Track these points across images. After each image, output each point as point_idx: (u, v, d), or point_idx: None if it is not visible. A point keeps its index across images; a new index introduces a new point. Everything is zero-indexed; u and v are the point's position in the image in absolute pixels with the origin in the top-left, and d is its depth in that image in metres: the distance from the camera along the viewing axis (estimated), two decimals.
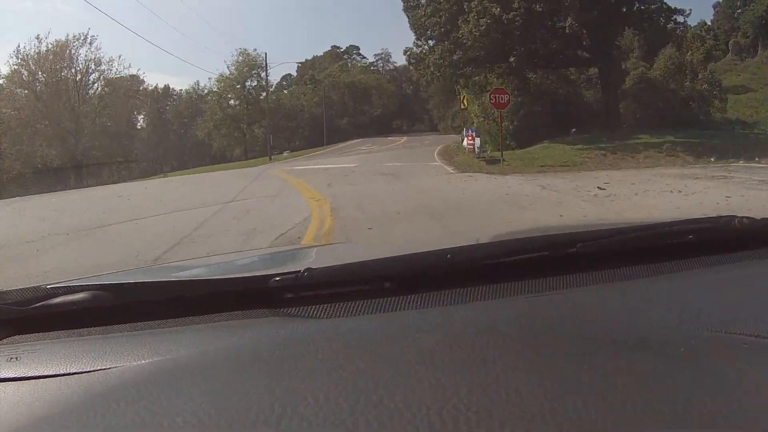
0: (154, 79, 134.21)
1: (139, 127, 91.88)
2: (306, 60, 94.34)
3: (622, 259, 1.30)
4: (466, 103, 30.57)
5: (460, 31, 25.73)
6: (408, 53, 32.18)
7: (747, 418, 0.58)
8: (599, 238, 1.36)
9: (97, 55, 55.86)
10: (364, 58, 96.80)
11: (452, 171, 20.00)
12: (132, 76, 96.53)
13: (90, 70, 53.91)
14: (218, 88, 71.46)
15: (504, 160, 20.35)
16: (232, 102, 73.32)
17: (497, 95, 21.47)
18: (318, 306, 1.16)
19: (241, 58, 69.51)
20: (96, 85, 54.81)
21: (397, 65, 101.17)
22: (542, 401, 0.63)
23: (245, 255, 3.02)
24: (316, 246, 5.68)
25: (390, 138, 63.94)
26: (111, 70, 56.38)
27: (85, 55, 54.26)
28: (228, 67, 70.65)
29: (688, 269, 1.29)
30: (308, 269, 1.21)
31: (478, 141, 24.60)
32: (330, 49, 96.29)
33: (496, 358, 0.76)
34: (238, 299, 1.21)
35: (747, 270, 1.29)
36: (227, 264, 2.07)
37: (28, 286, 1.24)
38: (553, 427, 0.58)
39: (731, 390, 0.63)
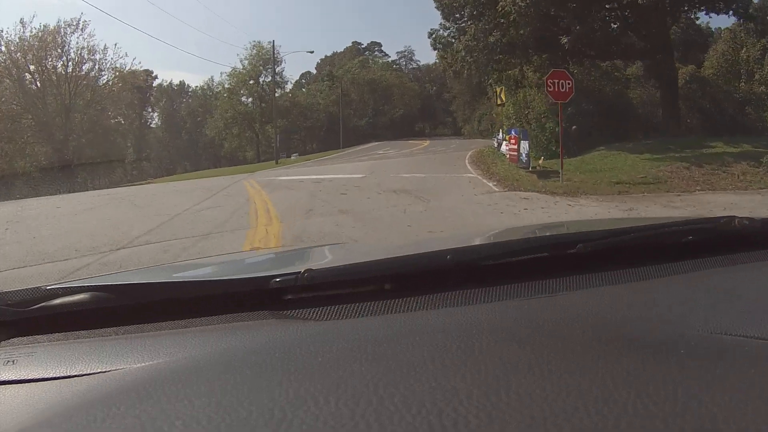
0: (173, 77, 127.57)
1: (154, 126, 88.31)
2: (325, 56, 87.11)
3: (622, 260, 1.31)
4: (503, 98, 26.50)
5: (501, 2, 21.50)
6: (433, 36, 28.25)
7: (748, 420, 0.58)
8: (599, 238, 1.39)
9: (91, 44, 49.55)
10: (386, 55, 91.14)
11: (495, 187, 14.98)
12: (145, 70, 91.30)
13: (84, 60, 47.48)
14: (230, 84, 66.25)
15: (563, 173, 15.33)
16: (244, 99, 68.67)
17: (557, 81, 15.46)
18: (318, 307, 1.17)
19: (254, 51, 64.01)
20: (93, 74, 49.27)
21: (420, 64, 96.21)
22: (542, 403, 0.63)
23: (245, 256, 3.49)
24: (316, 247, 4.78)
25: (411, 141, 59.53)
26: (105, 59, 50.23)
27: (77, 43, 47.85)
28: (241, 61, 65.21)
29: (689, 270, 1.29)
30: (308, 270, 1.21)
31: (524, 146, 19.07)
32: (351, 45, 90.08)
33: (496, 360, 0.77)
34: (238, 301, 1.22)
35: (747, 271, 1.30)
36: (227, 265, 2.08)
37: (28, 287, 1.24)
38: (554, 429, 0.58)
39: (732, 391, 0.64)
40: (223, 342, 1.06)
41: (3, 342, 1.17)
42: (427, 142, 53.80)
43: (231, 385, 0.76)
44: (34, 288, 1.24)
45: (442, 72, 52.86)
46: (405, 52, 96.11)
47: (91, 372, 0.97)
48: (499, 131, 28.69)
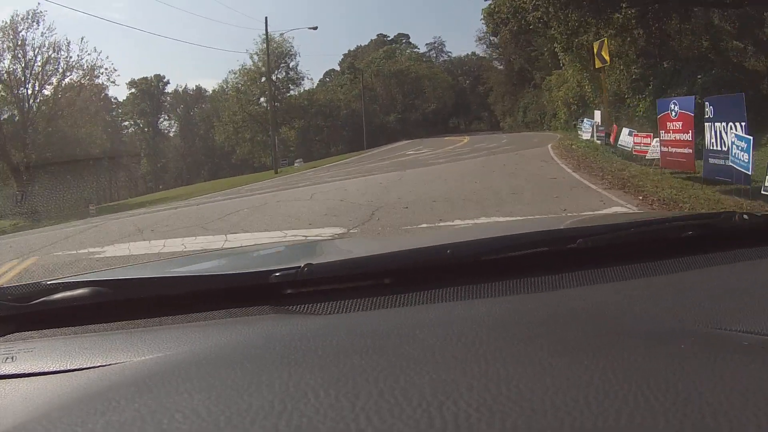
0: (196, 82, 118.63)
1: (173, 133, 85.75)
2: (348, 51, 79.73)
3: (622, 255, 1.34)
4: (607, 56, 20.44)
5: None
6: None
7: (748, 414, 0.58)
8: (599, 233, 1.43)
9: (55, 39, 41.37)
10: (415, 47, 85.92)
11: None
12: (156, 75, 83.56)
13: (49, 59, 40.20)
14: (240, 83, 62.56)
15: None
16: (255, 99, 63.68)
17: None
18: (318, 302, 1.20)
19: (266, 45, 56.10)
20: (56, 75, 41.27)
21: (452, 56, 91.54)
22: (543, 396, 0.63)
23: (245, 250, 3.23)
24: (316, 241, 5.75)
25: (447, 138, 52.81)
26: (69, 56, 41.84)
27: (32, 39, 40.37)
28: (251, 57, 62.29)
29: (689, 265, 1.31)
30: (308, 264, 1.23)
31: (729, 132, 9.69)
32: (376, 37, 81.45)
33: (496, 354, 0.77)
34: (238, 295, 1.25)
35: (747, 266, 1.31)
36: (228, 259, 2.13)
37: (27, 282, 1.28)
38: (555, 423, 0.58)
39: (733, 386, 0.64)
40: (223, 336, 1.07)
41: (4, 336, 1.20)
42: (466, 139, 47.53)
43: (231, 378, 0.76)
44: (33, 283, 1.28)
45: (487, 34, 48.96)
46: (435, 43, 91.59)
47: (91, 366, 0.99)
48: (583, 118, 26.62)
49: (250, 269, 1.43)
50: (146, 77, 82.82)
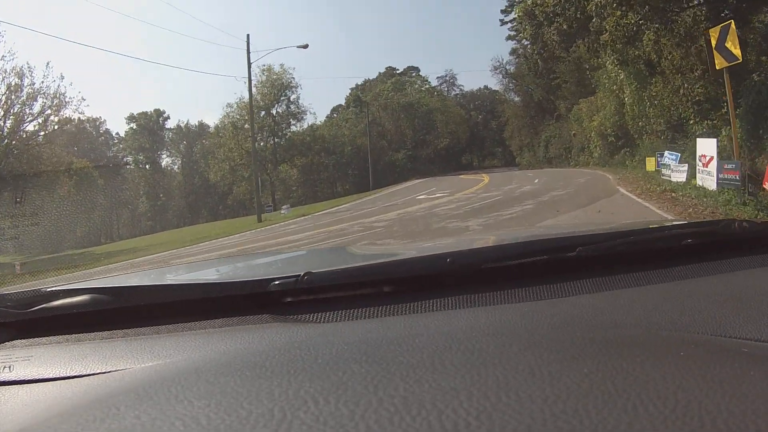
0: (196, 117, 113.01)
1: (176, 171, 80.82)
2: (356, 85, 78.39)
3: (621, 263, 1.36)
4: (736, 50, 12.99)
5: None
6: None
7: (748, 421, 0.58)
8: (599, 241, 1.42)
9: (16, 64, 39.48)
10: (426, 82, 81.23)
11: None
12: (156, 110, 77.76)
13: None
14: (236, 117, 57.16)
15: None
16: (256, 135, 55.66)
17: None
18: (318, 310, 1.23)
19: (264, 76, 56.03)
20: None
21: (465, 90, 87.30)
22: (542, 405, 0.63)
23: (245, 258, 3.28)
24: (316, 249, 5.75)
25: (462, 176, 49.13)
26: (33, 82, 36.88)
27: None
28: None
29: (688, 273, 1.33)
30: (308, 273, 1.24)
31: None
32: (384, 70, 79.20)
33: (496, 362, 0.77)
34: (237, 303, 1.27)
35: (747, 274, 1.32)
36: (228, 267, 2.15)
37: (27, 289, 1.30)
38: (554, 431, 0.59)
39: (732, 393, 0.64)
40: (223, 344, 1.08)
41: (4, 343, 1.22)
42: (486, 178, 42.06)
43: (231, 386, 0.76)
44: (33, 290, 1.28)
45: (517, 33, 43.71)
46: (446, 76, 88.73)
47: (91, 373, 1.00)
48: (663, 151, 20.60)
49: (250, 277, 1.42)
50: (146, 112, 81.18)
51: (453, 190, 30.96)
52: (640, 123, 26.94)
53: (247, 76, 35.38)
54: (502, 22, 58.90)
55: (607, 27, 20.06)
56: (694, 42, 19.65)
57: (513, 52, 60.25)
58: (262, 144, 55.91)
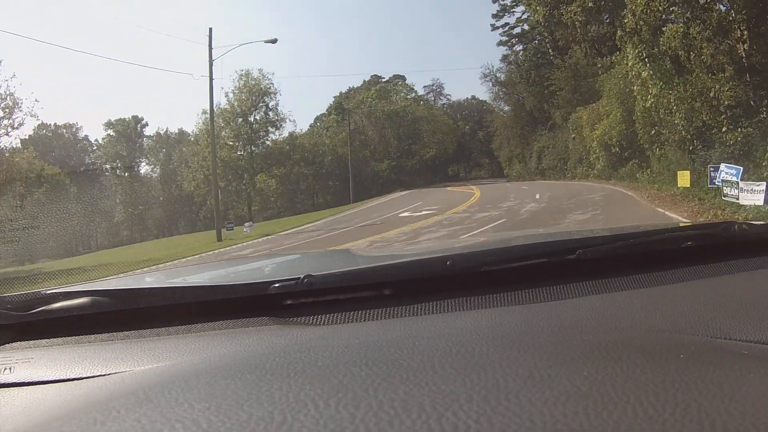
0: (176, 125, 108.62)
1: (155, 179, 76.16)
2: (340, 93, 76.99)
3: (621, 266, 1.37)
4: None
5: None
6: None
7: (747, 424, 0.58)
8: (599, 244, 1.43)
9: None
10: (412, 90, 78.52)
11: None
12: (134, 117, 73.98)
13: None
14: (207, 123, 51.31)
15: None
16: (231, 143, 52.92)
17: None
18: (318, 313, 1.24)
19: (242, 81, 52.67)
20: None
21: (452, 99, 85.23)
22: (542, 408, 0.63)
23: (246, 261, 3.36)
24: (316, 252, 5.82)
25: (450, 189, 45.61)
26: None
27: None
28: (226, 95, 54.69)
29: (688, 275, 1.34)
30: (308, 276, 1.25)
31: None
32: (370, 78, 79.95)
33: (496, 365, 0.77)
34: (237, 306, 1.27)
35: (746, 276, 1.34)
36: (227, 270, 2.12)
37: (28, 291, 1.31)
38: None
39: (732, 396, 0.64)
40: (224, 346, 1.09)
41: (4, 345, 1.23)
42: (476, 191, 37.81)
43: (231, 388, 0.76)
44: (33, 292, 1.30)
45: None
46: (433, 85, 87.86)
47: (91, 375, 1.00)
48: (718, 165, 16.38)
49: (250, 280, 1.44)
50: (123, 118, 78.30)
51: (441, 206, 27.82)
52: (652, 131, 23.34)
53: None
54: (494, 27, 56.71)
55: (634, 10, 16.51)
56: (726, 37, 17.39)
57: (504, 58, 59.26)
58: (240, 153, 53.73)
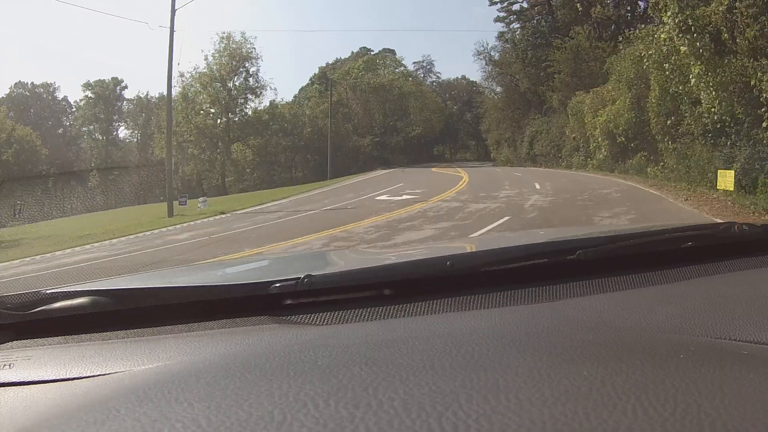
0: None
1: (133, 144, 72.33)
2: (327, 64, 75.34)
3: (621, 266, 1.37)
4: None
5: None
6: None
7: (747, 424, 0.58)
8: (599, 244, 1.44)
9: None
10: (401, 65, 75.00)
11: None
12: (113, 79, 70.23)
13: None
14: (190, 87, 49.89)
15: None
16: (206, 109, 49.69)
17: None
18: (318, 312, 1.25)
19: (222, 44, 49.77)
20: None
21: (442, 78, 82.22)
22: (542, 407, 0.63)
23: (245, 260, 3.38)
24: (316, 252, 5.63)
25: (435, 170, 43.42)
26: None
27: None
28: (205, 58, 58.72)
29: (688, 276, 1.35)
30: (308, 275, 1.25)
31: None
32: (358, 50, 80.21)
33: (495, 365, 0.78)
34: (237, 305, 1.28)
35: (747, 276, 1.35)
36: (228, 270, 2.15)
37: (27, 291, 1.29)
38: None
39: (731, 396, 0.64)
40: (223, 346, 1.08)
41: (3, 344, 1.22)
42: (464, 174, 34.52)
43: (231, 388, 0.76)
44: (33, 291, 1.27)
45: None
46: (423, 62, 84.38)
47: (91, 375, 1.00)
48: None
49: (251, 280, 1.43)
50: (103, 80, 75.28)
51: (426, 190, 24.32)
52: (668, 121, 19.98)
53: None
54: (491, 2, 52.81)
55: None
56: None
57: (500, 36, 55.87)
58: (218, 120, 51.56)
